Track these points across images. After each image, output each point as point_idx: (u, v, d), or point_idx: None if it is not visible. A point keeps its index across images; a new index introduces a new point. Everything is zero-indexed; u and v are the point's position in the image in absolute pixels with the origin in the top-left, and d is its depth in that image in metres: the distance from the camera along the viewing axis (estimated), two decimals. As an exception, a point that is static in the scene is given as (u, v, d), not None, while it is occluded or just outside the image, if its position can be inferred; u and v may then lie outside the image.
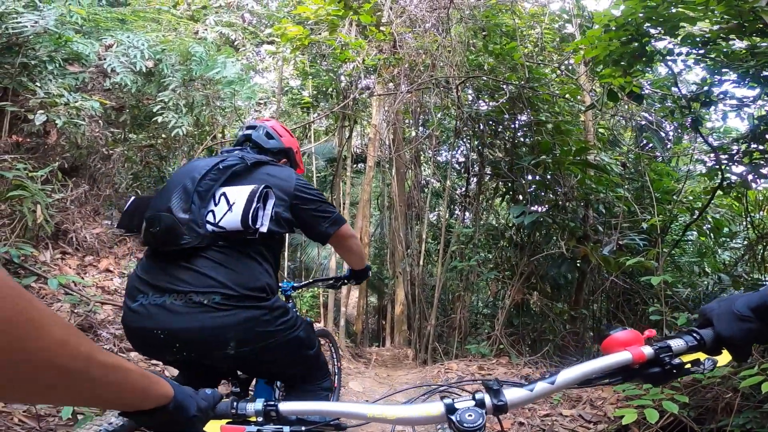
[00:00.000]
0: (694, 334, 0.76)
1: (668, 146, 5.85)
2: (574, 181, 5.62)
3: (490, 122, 6.36)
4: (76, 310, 3.62)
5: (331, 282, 2.52)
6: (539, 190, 5.96)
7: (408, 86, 7.08)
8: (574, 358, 5.76)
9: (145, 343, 1.52)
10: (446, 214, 9.03)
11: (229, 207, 1.49)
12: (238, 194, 1.50)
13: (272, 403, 0.80)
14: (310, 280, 2.75)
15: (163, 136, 5.49)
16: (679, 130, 5.33)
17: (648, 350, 0.75)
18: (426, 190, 12.20)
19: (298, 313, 1.80)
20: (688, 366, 0.75)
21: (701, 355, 0.76)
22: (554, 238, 5.61)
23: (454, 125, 6.92)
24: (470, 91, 6.46)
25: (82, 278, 4.45)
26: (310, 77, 7.08)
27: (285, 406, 0.80)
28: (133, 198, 1.68)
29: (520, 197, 6.12)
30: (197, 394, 0.77)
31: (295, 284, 2.41)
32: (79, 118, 4.07)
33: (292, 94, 7.72)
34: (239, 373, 1.73)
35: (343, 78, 6.87)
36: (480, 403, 0.73)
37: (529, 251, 5.73)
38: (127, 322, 1.50)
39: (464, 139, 7.47)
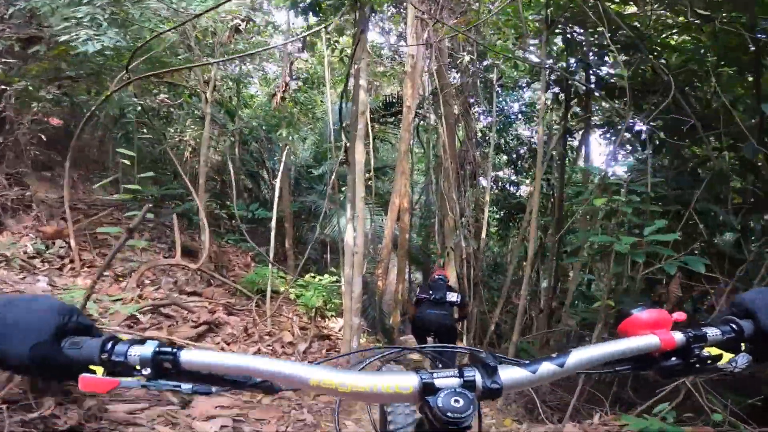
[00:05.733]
0: (732, 325, 0.64)
1: None
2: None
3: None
4: None
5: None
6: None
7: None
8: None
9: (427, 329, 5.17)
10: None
11: (451, 296, 5.10)
12: (452, 293, 5.13)
13: (169, 350, 0.55)
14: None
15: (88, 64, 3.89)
16: None
17: (679, 336, 0.62)
18: (486, 142, 9.83)
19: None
20: (711, 362, 0.62)
21: (728, 352, 0.63)
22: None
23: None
24: None
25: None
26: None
27: (188, 356, 0.55)
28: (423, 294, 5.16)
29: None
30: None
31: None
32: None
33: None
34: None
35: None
36: (469, 384, 0.55)
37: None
38: (425, 320, 5.06)
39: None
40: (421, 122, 11.18)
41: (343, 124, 4.39)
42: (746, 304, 0.65)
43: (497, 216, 10.61)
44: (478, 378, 0.55)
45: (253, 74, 11.09)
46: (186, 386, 0.56)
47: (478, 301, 7.28)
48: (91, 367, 0.54)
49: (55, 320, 0.53)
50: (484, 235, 8.11)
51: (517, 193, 9.63)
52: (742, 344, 0.63)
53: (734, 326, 0.63)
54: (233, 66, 9.43)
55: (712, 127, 3.42)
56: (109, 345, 0.54)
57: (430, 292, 5.05)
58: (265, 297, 4.74)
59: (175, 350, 0.55)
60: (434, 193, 9.70)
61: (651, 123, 4.97)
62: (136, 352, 0.54)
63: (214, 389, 0.57)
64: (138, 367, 0.54)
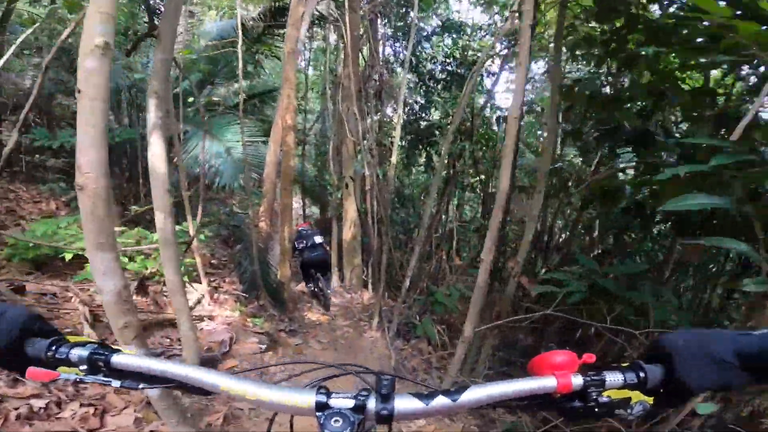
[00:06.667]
0: (640, 372, 0.62)
1: None
2: None
3: None
4: None
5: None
6: None
7: None
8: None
9: (311, 266, 6.27)
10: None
11: (318, 239, 6.37)
12: (318, 237, 6.34)
13: (102, 352, 0.65)
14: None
15: None
16: None
17: (577, 381, 0.62)
18: (396, 59, 8.39)
19: None
20: (615, 406, 0.61)
21: (635, 395, 0.61)
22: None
23: None
24: None
25: None
26: None
27: (119, 359, 0.65)
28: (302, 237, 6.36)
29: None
30: None
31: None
32: None
33: None
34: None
35: None
36: (359, 407, 0.58)
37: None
38: (308, 261, 6.23)
39: None
40: (319, 38, 9.38)
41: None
42: (663, 347, 0.61)
43: (401, 143, 9.51)
44: (371, 403, 0.58)
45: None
46: (116, 382, 0.64)
47: (386, 243, 6.14)
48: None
49: (21, 325, 0.64)
50: (394, 160, 6.88)
51: (427, 117, 8.47)
52: (645, 391, 0.61)
53: (640, 373, 0.62)
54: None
55: None
56: (54, 346, 0.65)
57: (303, 241, 6.27)
58: (64, 268, 3.06)
59: (107, 353, 0.64)
60: (332, 115, 8.22)
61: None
62: (76, 352, 0.64)
63: (140, 386, 0.65)
64: (77, 364, 0.65)
